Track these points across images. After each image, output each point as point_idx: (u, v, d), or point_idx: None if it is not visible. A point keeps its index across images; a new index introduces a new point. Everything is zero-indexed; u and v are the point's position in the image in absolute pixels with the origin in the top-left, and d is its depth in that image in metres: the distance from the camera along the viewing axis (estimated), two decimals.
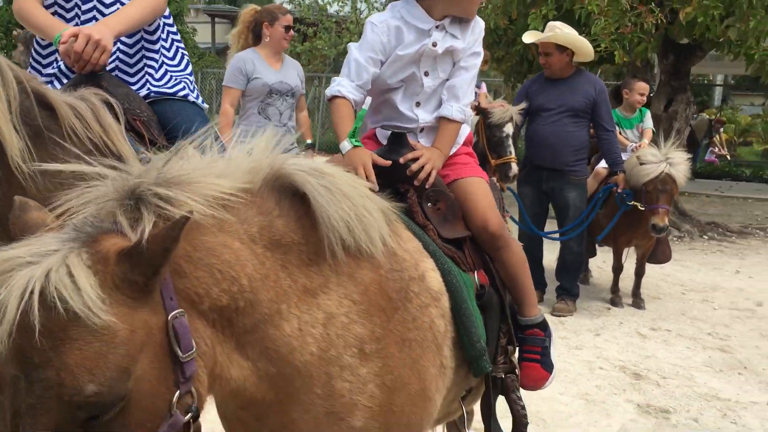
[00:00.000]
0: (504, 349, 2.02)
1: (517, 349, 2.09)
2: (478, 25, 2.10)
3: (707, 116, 16.29)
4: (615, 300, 5.84)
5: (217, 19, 26.94)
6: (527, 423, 2.07)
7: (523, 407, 2.05)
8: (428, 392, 1.70)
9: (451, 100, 2.06)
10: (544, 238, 5.55)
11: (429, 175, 1.91)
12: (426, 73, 2.07)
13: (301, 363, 1.46)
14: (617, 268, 5.91)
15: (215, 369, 1.31)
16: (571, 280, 5.54)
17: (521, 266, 2.04)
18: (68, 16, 2.24)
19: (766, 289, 6.50)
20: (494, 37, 8.99)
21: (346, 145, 1.91)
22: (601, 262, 6.81)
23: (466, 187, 2.01)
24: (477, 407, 2.15)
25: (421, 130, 2.10)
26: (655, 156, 5.22)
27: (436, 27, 2.04)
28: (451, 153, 2.08)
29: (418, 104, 2.09)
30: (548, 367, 2.09)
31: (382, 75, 2.07)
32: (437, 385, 1.74)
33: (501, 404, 2.06)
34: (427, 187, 1.92)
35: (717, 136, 16.65)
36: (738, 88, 28.65)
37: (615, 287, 5.92)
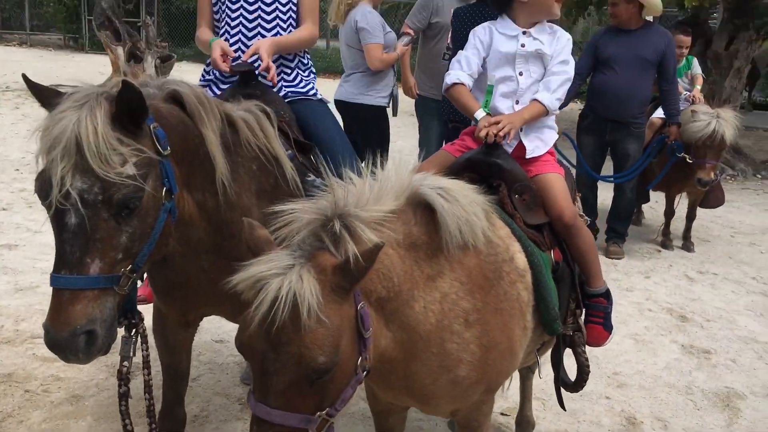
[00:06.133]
0: (573, 312, 2.47)
1: (584, 312, 2.54)
2: (564, 36, 2.48)
3: None
4: (666, 243, 6.19)
5: None
6: (589, 372, 2.54)
7: (587, 359, 2.51)
8: (514, 348, 2.16)
9: (543, 90, 2.46)
10: (598, 185, 5.88)
11: (507, 131, 2.32)
12: (521, 73, 2.46)
13: (424, 331, 1.93)
14: (669, 213, 6.23)
15: (375, 341, 1.80)
16: (623, 225, 5.89)
17: (590, 247, 2.46)
18: (233, 23, 2.77)
19: None
20: None
21: (480, 113, 2.43)
22: (653, 203, 7.08)
23: (546, 182, 2.42)
24: (547, 357, 2.62)
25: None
26: (707, 114, 5.43)
27: (523, 33, 2.44)
28: (539, 154, 2.48)
29: (517, 102, 2.48)
30: (609, 328, 2.54)
31: (487, 70, 2.48)
32: (521, 343, 2.20)
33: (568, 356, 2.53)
34: (502, 135, 2.32)
35: None
36: None
37: (666, 230, 6.26)
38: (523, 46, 2.45)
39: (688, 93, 6.10)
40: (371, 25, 5.03)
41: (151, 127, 1.83)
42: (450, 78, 2.54)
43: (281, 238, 1.69)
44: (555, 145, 2.57)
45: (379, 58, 5.08)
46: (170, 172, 1.87)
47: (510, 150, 2.44)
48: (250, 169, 2.28)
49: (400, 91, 5.54)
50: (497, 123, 2.32)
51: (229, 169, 2.14)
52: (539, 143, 2.49)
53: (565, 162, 5.95)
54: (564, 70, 2.46)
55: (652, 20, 5.63)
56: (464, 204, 1.99)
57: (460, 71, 2.53)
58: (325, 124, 2.72)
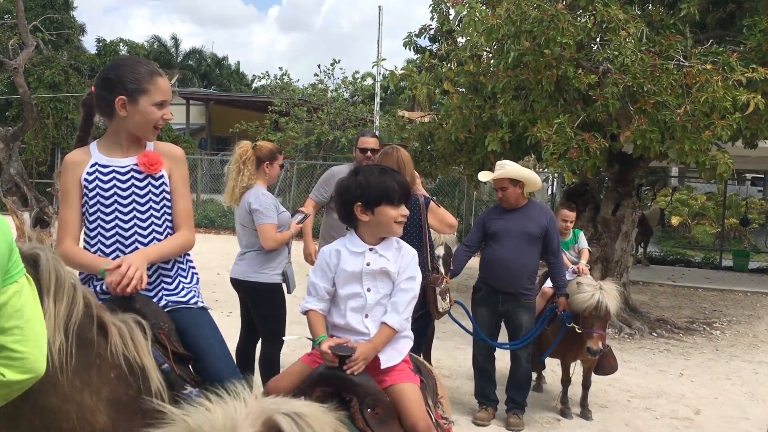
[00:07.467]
0: None
1: None
2: (410, 253, 2.62)
3: (659, 206, 17.17)
4: (564, 411, 6.25)
5: (191, 101, 27.68)
6: None
7: None
8: None
9: (393, 313, 2.55)
10: (495, 357, 5.98)
11: (361, 365, 2.42)
12: (368, 289, 2.56)
13: None
14: (565, 381, 6.34)
15: None
16: (522, 395, 5.94)
17: None
18: (108, 251, 2.76)
19: (705, 395, 6.98)
20: (456, 146, 9.67)
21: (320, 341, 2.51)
22: (555, 366, 7.19)
23: (400, 393, 2.47)
24: None
25: None
26: (590, 285, 5.73)
27: (370, 249, 2.56)
28: (394, 364, 2.54)
29: (366, 316, 2.56)
30: None
31: (336, 288, 2.57)
32: None
33: None
34: (351, 361, 2.40)
35: None
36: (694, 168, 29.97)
37: (564, 398, 6.34)
38: (368, 264, 2.58)
39: (574, 266, 6.44)
40: (264, 206, 5.19)
41: None
42: (302, 307, 2.70)
43: None
44: (410, 353, 2.64)
45: (273, 238, 5.20)
46: None
47: None
48: (105, 374, 2.26)
49: (296, 264, 5.63)
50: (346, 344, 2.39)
51: (73, 360, 2.11)
52: (393, 353, 2.55)
53: (463, 330, 6.15)
54: (411, 287, 2.59)
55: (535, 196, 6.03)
56: (316, 428, 2.00)
57: (311, 298, 2.67)
58: (204, 332, 2.74)
